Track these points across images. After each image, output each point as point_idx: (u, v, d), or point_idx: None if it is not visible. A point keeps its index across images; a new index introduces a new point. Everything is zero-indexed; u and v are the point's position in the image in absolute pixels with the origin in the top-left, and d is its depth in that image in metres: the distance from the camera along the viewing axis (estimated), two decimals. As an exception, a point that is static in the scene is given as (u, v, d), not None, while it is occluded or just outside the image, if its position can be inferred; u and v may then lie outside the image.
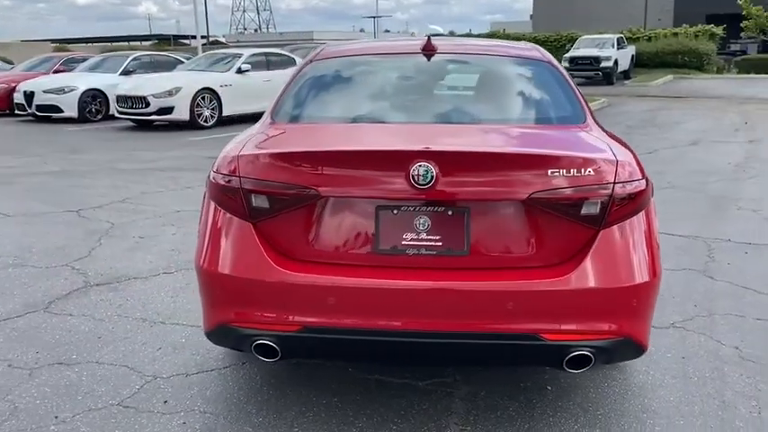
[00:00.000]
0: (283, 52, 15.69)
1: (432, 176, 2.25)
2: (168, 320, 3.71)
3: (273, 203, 2.39)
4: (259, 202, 2.40)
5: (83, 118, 14.20)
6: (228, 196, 2.46)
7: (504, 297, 2.30)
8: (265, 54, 14.74)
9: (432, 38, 3.20)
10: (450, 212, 2.34)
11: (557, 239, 2.35)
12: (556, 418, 2.72)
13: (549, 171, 2.28)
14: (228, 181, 2.45)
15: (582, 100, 2.95)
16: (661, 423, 2.68)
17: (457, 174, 2.30)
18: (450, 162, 2.29)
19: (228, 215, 2.48)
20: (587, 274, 2.30)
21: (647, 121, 13.73)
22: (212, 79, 13.27)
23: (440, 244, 2.34)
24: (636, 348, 2.45)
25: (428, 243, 2.34)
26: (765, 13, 31.78)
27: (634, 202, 2.38)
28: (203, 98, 12.88)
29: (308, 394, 2.91)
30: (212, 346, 3.21)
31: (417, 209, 2.34)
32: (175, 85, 12.73)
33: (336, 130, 2.81)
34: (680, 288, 4.16)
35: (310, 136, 2.75)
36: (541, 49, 3.47)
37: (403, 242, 2.35)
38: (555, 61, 3.26)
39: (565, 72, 3.17)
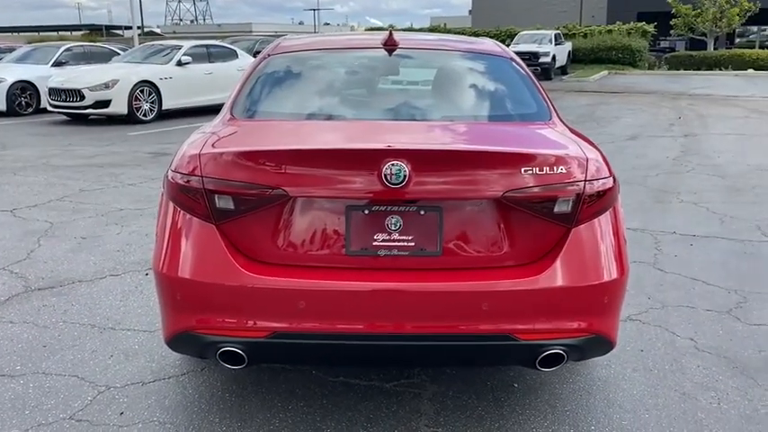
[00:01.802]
0: (225, 44, 15.35)
1: (404, 175, 2.20)
2: (118, 326, 3.54)
3: (238, 204, 2.29)
4: (223, 202, 2.29)
5: (12, 111, 13.52)
6: (189, 197, 2.34)
7: (477, 297, 2.27)
8: (206, 46, 14.37)
9: (393, 32, 3.15)
10: (422, 212, 2.29)
11: (530, 238, 2.33)
12: (525, 416, 2.72)
13: (523, 169, 2.26)
14: (188, 181, 2.33)
15: (546, 96, 2.95)
16: (627, 417, 2.72)
17: (430, 172, 2.25)
18: (424, 160, 2.24)
19: (189, 217, 2.36)
20: (560, 273, 2.30)
21: (586, 115, 14.05)
22: (151, 72, 12.83)
23: (412, 244, 2.29)
24: (606, 345, 2.47)
25: (400, 243, 2.29)
26: (693, 12, 33.04)
27: (603, 200, 2.39)
28: (142, 91, 12.44)
29: (272, 400, 2.82)
30: (168, 352, 3.08)
31: (389, 209, 2.28)
32: (112, 78, 12.24)
33: (302, 128, 2.71)
34: (633, 280, 4.22)
35: (275, 133, 2.65)
36: (502, 45, 3.46)
37: (374, 243, 2.29)
38: (517, 57, 3.25)
39: (527, 68, 3.16)
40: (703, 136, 11.03)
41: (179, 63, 13.18)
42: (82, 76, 12.49)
